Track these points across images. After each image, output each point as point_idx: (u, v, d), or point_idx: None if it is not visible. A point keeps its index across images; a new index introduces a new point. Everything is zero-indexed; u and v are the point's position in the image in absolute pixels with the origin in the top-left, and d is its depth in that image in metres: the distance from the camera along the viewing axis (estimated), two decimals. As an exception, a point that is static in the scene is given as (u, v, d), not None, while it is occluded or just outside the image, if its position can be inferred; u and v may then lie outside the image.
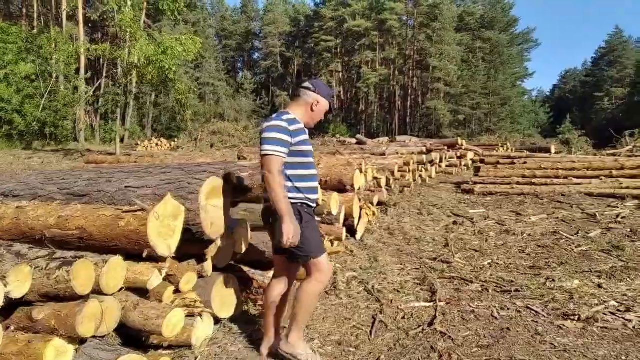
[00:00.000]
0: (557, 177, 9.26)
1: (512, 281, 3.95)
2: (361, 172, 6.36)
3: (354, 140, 21.14)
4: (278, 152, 2.40)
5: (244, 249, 3.30)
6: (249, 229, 3.37)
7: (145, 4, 27.15)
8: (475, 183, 9.67)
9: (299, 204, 2.53)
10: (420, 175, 10.73)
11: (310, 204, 2.62)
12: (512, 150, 23.38)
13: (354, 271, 4.19)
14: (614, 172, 8.90)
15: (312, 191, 2.63)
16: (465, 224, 6.41)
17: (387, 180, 7.73)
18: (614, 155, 13.89)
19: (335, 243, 4.82)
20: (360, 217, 5.59)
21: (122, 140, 35.71)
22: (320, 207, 4.24)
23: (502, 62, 49.65)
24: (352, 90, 62.83)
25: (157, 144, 30.59)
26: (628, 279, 3.92)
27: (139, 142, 30.78)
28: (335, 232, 4.78)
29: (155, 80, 18.86)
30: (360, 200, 5.79)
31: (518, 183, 9.32)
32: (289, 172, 2.50)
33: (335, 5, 58.37)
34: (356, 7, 56.78)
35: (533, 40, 57.63)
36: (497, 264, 4.47)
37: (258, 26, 71.83)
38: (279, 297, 2.71)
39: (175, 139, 32.77)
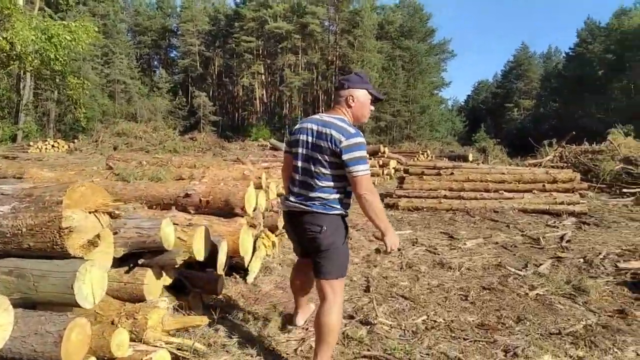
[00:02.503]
0: (487, 190, 8.40)
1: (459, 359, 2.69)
2: (262, 187, 4.92)
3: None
4: (368, 170, 2.39)
5: None
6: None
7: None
8: (400, 196, 8.58)
9: (341, 216, 2.48)
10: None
11: (346, 213, 2.54)
12: (432, 157, 23.14)
13: (228, 352, 2.70)
14: (547, 186, 8.18)
15: (348, 206, 2.54)
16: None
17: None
18: (535, 165, 13.60)
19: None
20: (255, 251, 4.13)
21: (13, 141, 31.73)
22: (169, 254, 2.68)
23: (421, 71, 50.58)
24: (275, 93, 61.39)
25: (53, 145, 27.20)
26: (615, 349, 2.80)
27: (31, 143, 27.18)
28: (204, 283, 3.20)
29: (36, 72, 16.22)
30: (256, 226, 4.35)
31: (446, 197, 8.35)
32: (336, 183, 2.42)
33: (256, 5, 56.72)
34: (277, 8, 55.45)
35: (449, 51, 59.62)
36: (435, 322, 3.21)
37: (175, 23, 68.30)
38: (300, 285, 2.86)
39: (75, 140, 29.42)
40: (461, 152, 27.72)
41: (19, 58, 16.17)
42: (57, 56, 16.27)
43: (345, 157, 2.32)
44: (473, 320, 3.24)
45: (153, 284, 2.70)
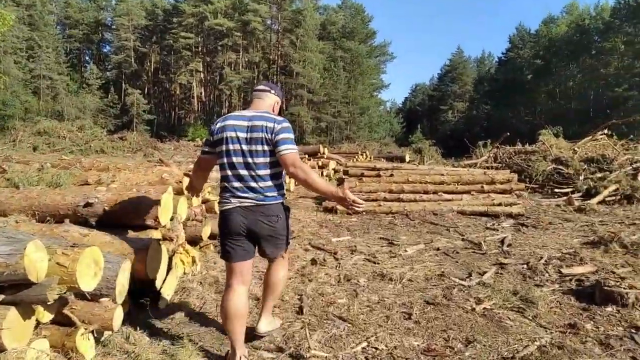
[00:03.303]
0: (426, 192, 8.20)
1: (405, 398, 2.29)
2: (183, 193, 4.33)
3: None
4: (296, 149, 2.59)
5: None
6: None
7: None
8: (339, 199, 8.21)
9: (283, 199, 2.72)
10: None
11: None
12: (370, 158, 23.16)
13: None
14: (485, 187, 8.10)
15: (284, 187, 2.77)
16: (328, 262, 4.74)
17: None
18: (471, 166, 13.74)
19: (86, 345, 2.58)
20: (170, 269, 3.56)
21: None
22: (39, 288, 2.08)
23: (362, 72, 50.95)
24: (214, 92, 59.73)
25: (-37, 145, 24.77)
26: (572, 375, 2.50)
27: (-62, 141, 24.59)
28: (96, 317, 2.60)
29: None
30: (173, 240, 3.77)
31: (385, 199, 8.07)
32: (273, 170, 2.60)
33: (196, 1, 55.00)
34: (218, 4, 54.05)
35: (389, 54, 60.66)
36: (377, 349, 2.80)
37: (109, 17, 64.93)
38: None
39: (-10, 140, 26.97)
40: (399, 153, 28.06)
41: None
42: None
43: (276, 138, 2.53)
44: (418, 345, 2.86)
45: (18, 327, 2.10)
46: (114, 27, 62.86)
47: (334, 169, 13.42)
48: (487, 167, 12.98)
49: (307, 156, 11.80)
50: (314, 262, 4.68)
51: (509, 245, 5.55)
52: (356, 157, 20.93)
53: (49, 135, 23.81)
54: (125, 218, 3.54)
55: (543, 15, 55.59)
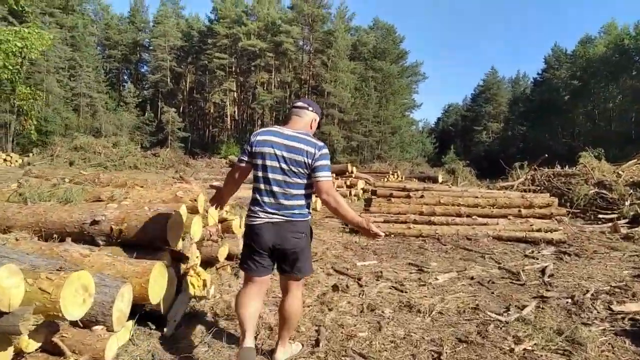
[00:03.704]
0: (459, 215, 7.77)
1: None
2: (198, 212, 4.11)
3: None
4: (331, 176, 2.69)
5: None
6: None
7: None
8: (366, 220, 7.86)
9: (310, 217, 2.78)
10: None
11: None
12: (402, 178, 22.69)
13: None
14: (523, 211, 7.61)
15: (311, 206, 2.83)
16: (351, 288, 4.40)
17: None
18: (507, 188, 13.16)
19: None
20: (179, 293, 3.31)
21: (-37, 154, 29.86)
22: (11, 318, 1.83)
23: (393, 92, 50.71)
24: (247, 110, 60.53)
25: (5, 159, 25.66)
26: None
27: (-19, 157, 25.54)
28: (87, 348, 2.32)
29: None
30: (184, 261, 3.53)
31: (415, 222, 7.67)
32: (306, 191, 2.68)
33: (230, 22, 56.28)
34: (251, 26, 55.17)
35: (421, 74, 60.27)
36: (400, 395, 2.45)
37: (147, 38, 67.10)
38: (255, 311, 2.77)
39: (30, 154, 27.81)
40: (431, 173, 27.44)
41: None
42: (6, 64, 15.10)
43: (315, 164, 2.60)
44: (448, 392, 2.49)
45: (-10, 359, 1.87)
46: (151, 47, 64.94)
47: (362, 189, 13.06)
48: (524, 190, 12.37)
49: (334, 175, 11.50)
50: (335, 288, 4.35)
51: (551, 275, 5.08)
52: (387, 176, 20.53)
53: (85, 150, 24.36)
54: (133, 238, 3.32)
55: (579, 36, 54.04)
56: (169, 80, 62.06)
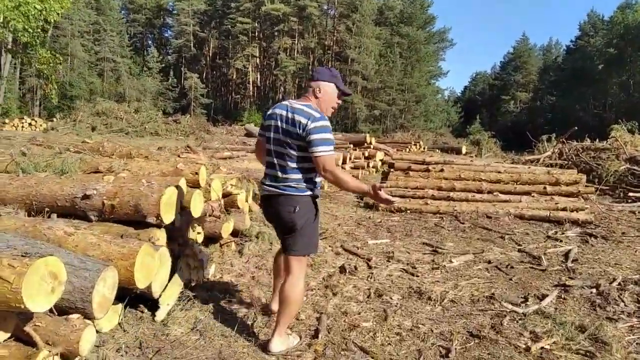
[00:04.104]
0: (480, 191, 7.42)
1: None
2: (199, 185, 3.91)
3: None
4: (331, 150, 2.54)
5: None
6: None
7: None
8: (382, 195, 7.59)
9: (311, 197, 2.66)
10: (317, 181, 8.51)
11: (317, 194, 2.73)
12: (424, 148, 22.17)
13: None
14: (548, 188, 7.21)
15: (318, 185, 2.73)
16: (359, 270, 4.18)
17: (254, 194, 5.31)
18: (533, 162, 12.65)
19: None
20: (173, 274, 3.13)
21: (-7, 117, 30.43)
22: None
23: (419, 59, 49.24)
24: (270, 77, 59.95)
25: (30, 124, 26.04)
26: None
27: (7, 121, 25.94)
28: (61, 338, 2.15)
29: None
30: (178, 240, 3.34)
31: (433, 197, 7.37)
32: (303, 165, 2.59)
33: (253, -15, 55.09)
34: (275, -11, 53.90)
35: (448, 40, 58.37)
36: (401, 398, 2.23)
37: (171, 1, 66.43)
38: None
39: (54, 119, 28.12)
40: (455, 144, 26.87)
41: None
42: (26, 27, 15.00)
43: (309, 138, 2.50)
44: (453, 396, 2.27)
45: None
46: (174, 12, 64.34)
47: (381, 160, 12.72)
48: (551, 164, 11.88)
49: (352, 146, 11.17)
50: (342, 270, 4.14)
51: (575, 260, 4.76)
52: (409, 147, 20.11)
53: (107, 116, 24.49)
54: (126, 213, 3.14)
55: (618, 1, 50.95)
56: (192, 45, 61.69)
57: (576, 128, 14.04)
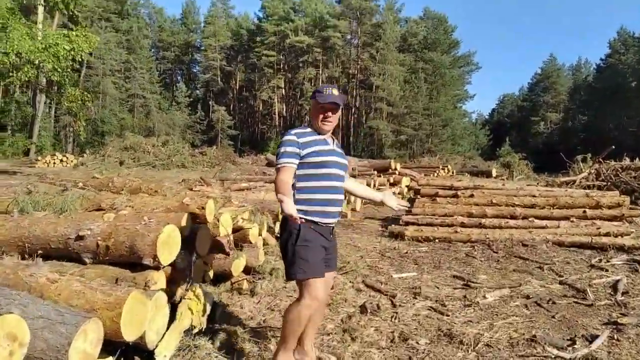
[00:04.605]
0: (513, 217, 6.94)
1: None
2: (206, 221, 3.64)
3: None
4: (288, 162, 2.51)
5: None
6: None
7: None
8: (408, 223, 7.19)
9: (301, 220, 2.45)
10: (340, 210, 8.17)
11: (320, 219, 2.54)
12: (453, 173, 21.58)
13: None
14: (588, 212, 6.68)
15: (323, 203, 2.55)
16: (382, 309, 3.79)
17: (269, 227, 5.01)
18: (568, 183, 12.02)
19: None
20: (172, 321, 2.84)
21: (26, 154, 31.48)
22: None
23: (444, 83, 48.96)
24: (295, 107, 60.62)
25: (61, 160, 26.77)
26: None
27: (39, 158, 26.74)
28: None
29: (34, 84, 15.51)
30: (179, 283, 3.06)
31: (463, 224, 6.92)
32: (298, 184, 2.55)
33: (278, 19, 56.48)
34: (299, 22, 55.13)
35: (474, 63, 57.99)
36: None
37: (198, 38, 68.63)
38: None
39: (84, 154, 28.83)
40: (484, 167, 26.13)
41: (16, 69, 15.43)
42: (56, 67, 15.46)
43: None
44: None
45: None
46: (202, 48, 66.34)
47: (407, 186, 12.29)
48: (588, 186, 11.24)
49: (375, 172, 10.80)
50: (363, 309, 3.76)
51: (625, 293, 4.26)
52: (437, 171, 19.60)
53: (135, 150, 24.90)
54: (120, 255, 2.89)
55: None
56: (219, 79, 63.30)
57: (613, 147, 13.35)
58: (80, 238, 2.93)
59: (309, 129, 2.67)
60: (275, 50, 56.69)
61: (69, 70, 17.22)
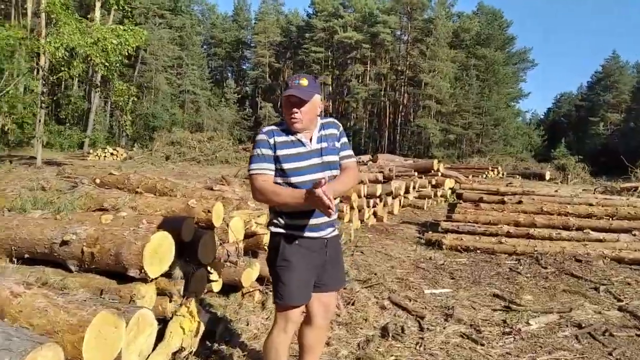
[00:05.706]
0: (566, 227, 6.26)
1: None
2: (213, 226, 3.32)
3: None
4: (258, 169, 2.14)
5: None
6: None
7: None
8: (447, 231, 6.63)
9: (281, 235, 2.17)
10: (375, 213, 7.70)
11: (300, 233, 2.14)
12: (503, 174, 20.55)
13: None
14: (655, 226, 5.92)
15: (306, 215, 2.12)
16: (407, 334, 3.33)
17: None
18: (630, 190, 11.00)
19: None
20: (160, 341, 2.52)
21: (81, 148, 32.74)
22: None
23: (497, 81, 47.13)
24: (342, 104, 60.23)
25: (111, 153, 27.61)
26: None
27: (91, 151, 27.70)
28: None
29: (82, 77, 15.89)
30: (172, 297, 2.73)
31: (509, 234, 6.30)
32: None
33: (327, 16, 56.21)
34: (348, 18, 54.61)
35: (529, 60, 55.54)
36: None
37: (249, 35, 69.46)
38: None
39: (133, 148, 29.63)
40: (537, 170, 24.81)
41: (67, 63, 15.86)
42: (104, 61, 15.77)
43: None
44: None
45: None
46: (252, 44, 67.05)
47: (450, 188, 11.61)
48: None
49: (416, 174, 10.21)
50: (384, 332, 3.31)
51: (701, 326, 3.59)
52: (486, 172, 18.70)
53: (181, 145, 25.32)
54: (107, 264, 2.60)
55: None
56: (267, 75, 63.75)
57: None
58: (65, 243, 2.66)
59: (285, 126, 2.22)
60: (323, 47, 56.50)
61: (117, 64, 17.57)
